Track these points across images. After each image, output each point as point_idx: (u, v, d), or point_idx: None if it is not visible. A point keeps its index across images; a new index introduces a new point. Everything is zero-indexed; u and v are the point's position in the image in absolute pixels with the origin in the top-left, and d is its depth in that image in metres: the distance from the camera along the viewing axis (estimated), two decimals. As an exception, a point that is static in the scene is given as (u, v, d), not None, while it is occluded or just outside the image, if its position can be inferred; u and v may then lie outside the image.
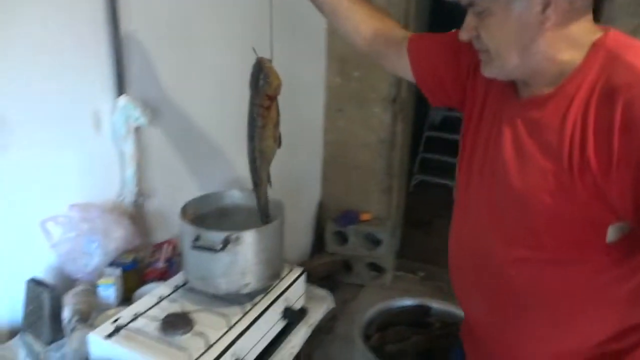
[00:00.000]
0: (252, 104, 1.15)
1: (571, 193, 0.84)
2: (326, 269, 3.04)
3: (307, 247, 3.24)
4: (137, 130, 1.63)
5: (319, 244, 3.25)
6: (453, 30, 1.08)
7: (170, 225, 1.87)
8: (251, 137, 1.18)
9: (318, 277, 2.90)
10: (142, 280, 1.56)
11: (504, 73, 0.93)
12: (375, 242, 3.12)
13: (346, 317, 2.90)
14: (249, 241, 1.20)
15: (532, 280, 0.95)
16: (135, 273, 1.54)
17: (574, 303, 0.94)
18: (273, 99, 1.15)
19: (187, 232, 1.22)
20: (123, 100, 1.55)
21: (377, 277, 3.17)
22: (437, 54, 1.14)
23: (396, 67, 1.22)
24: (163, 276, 1.58)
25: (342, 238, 3.15)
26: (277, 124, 1.19)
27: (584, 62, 0.85)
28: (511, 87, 0.98)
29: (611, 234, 0.86)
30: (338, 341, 2.72)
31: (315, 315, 1.51)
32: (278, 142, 1.22)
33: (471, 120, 1.07)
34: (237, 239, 1.19)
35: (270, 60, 1.13)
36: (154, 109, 1.70)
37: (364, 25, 1.23)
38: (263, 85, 1.12)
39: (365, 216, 3.11)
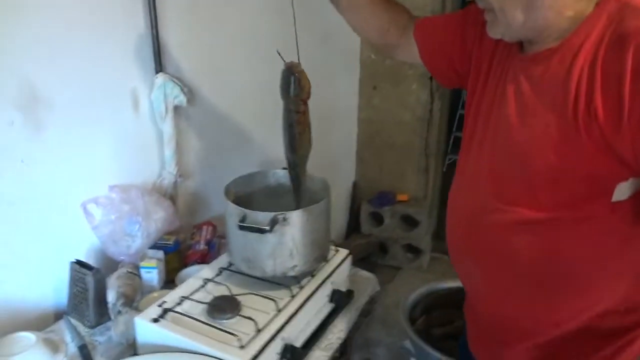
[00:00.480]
0: (288, 111, 1.11)
1: (576, 147, 0.80)
2: (361, 251, 2.99)
3: (341, 228, 3.19)
4: (176, 109, 1.59)
5: (353, 225, 3.20)
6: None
7: (209, 206, 1.85)
8: (290, 145, 1.13)
9: (353, 259, 2.86)
10: (184, 263, 1.54)
11: (509, 32, 0.89)
12: (412, 223, 3.05)
13: (383, 300, 2.85)
14: (297, 221, 1.16)
15: (533, 245, 0.90)
16: (177, 255, 1.52)
17: (578, 268, 0.89)
18: (307, 102, 1.12)
19: (232, 212, 1.17)
20: (161, 78, 1.50)
21: (414, 259, 3.11)
22: (443, 32, 1.12)
23: (408, 55, 1.21)
24: (204, 258, 1.56)
25: (378, 219, 3.10)
26: (310, 126, 1.16)
27: (592, 13, 0.80)
28: (517, 46, 0.95)
29: (621, 191, 0.81)
30: (376, 324, 2.68)
31: (361, 298, 1.46)
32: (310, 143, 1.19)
33: (476, 90, 1.04)
34: (285, 219, 1.14)
35: (299, 64, 1.09)
36: (191, 88, 1.66)
37: (378, 18, 1.21)
38: (296, 90, 1.08)
39: (402, 197, 3.04)
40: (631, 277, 0.88)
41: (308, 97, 1.11)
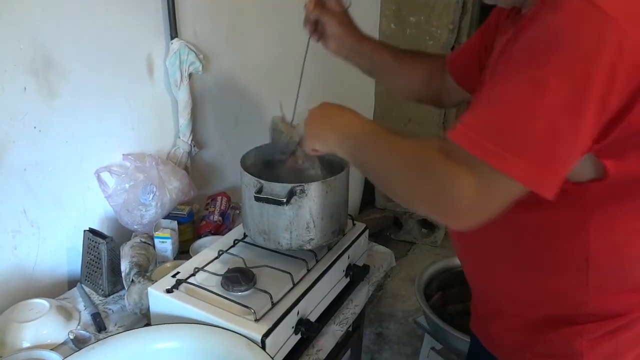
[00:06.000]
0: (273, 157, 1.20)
1: None
2: (376, 225, 2.97)
3: (356, 202, 3.16)
4: (191, 77, 1.55)
5: (368, 199, 3.17)
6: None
7: (224, 177, 1.82)
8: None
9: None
10: (197, 234, 1.52)
11: None
12: (427, 199, 3.01)
13: (396, 275, 2.84)
14: (314, 194, 1.12)
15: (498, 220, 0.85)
16: (190, 226, 1.50)
17: (541, 249, 0.84)
18: (287, 154, 1.18)
19: (248, 183, 1.14)
20: (177, 43, 1.46)
21: (428, 235, 3.08)
22: (469, 51, 1.11)
23: (455, 93, 1.18)
24: (218, 230, 1.54)
25: (393, 193, 3.06)
26: (304, 170, 1.20)
27: None
28: (511, 14, 0.91)
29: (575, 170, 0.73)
30: (388, 298, 2.68)
31: (377, 273, 1.44)
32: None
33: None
34: (303, 191, 1.11)
35: (283, 119, 1.17)
36: (208, 55, 1.62)
37: (417, 72, 1.21)
38: (276, 144, 1.18)
39: (418, 171, 3.00)
40: (601, 266, 0.81)
41: (286, 150, 1.17)
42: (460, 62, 1.14)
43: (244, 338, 0.96)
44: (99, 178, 1.39)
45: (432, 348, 1.94)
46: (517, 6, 0.87)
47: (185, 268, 1.15)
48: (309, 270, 1.16)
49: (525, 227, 0.84)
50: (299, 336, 1.09)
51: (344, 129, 0.93)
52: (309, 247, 1.18)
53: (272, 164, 1.26)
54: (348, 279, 1.30)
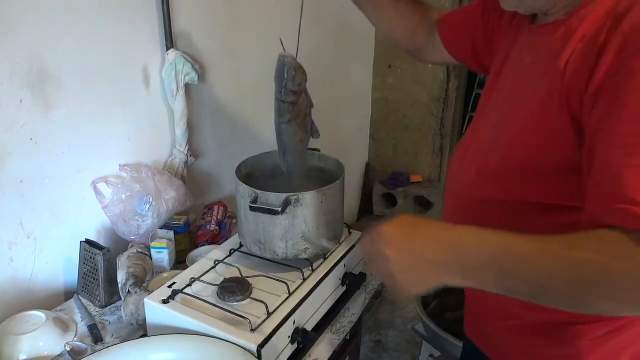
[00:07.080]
0: (277, 100, 1.12)
1: (555, 130, 0.76)
2: (374, 232, 2.97)
3: (353, 210, 3.17)
4: (187, 87, 1.55)
5: (366, 206, 3.17)
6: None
7: (220, 186, 1.83)
8: (278, 133, 1.15)
9: (366, 240, 2.84)
10: (194, 243, 1.52)
11: (524, 3, 0.84)
12: (425, 205, 3.01)
13: (395, 281, 2.84)
14: (309, 203, 1.13)
15: (501, 226, 0.84)
16: (187, 235, 1.50)
17: None
18: (298, 94, 1.11)
19: (244, 193, 1.15)
20: (172, 54, 1.47)
21: (427, 241, 3.07)
22: (465, 22, 1.11)
23: (438, 54, 1.19)
24: (214, 239, 1.54)
25: (391, 201, 3.06)
26: (307, 116, 1.15)
27: None
28: (528, 19, 0.91)
29: None
30: (386, 305, 2.67)
31: (374, 281, 1.44)
32: (310, 132, 1.18)
33: (495, 73, 1.00)
34: (298, 200, 1.11)
35: (291, 56, 1.09)
36: (203, 65, 1.62)
37: (405, 20, 1.20)
38: (287, 82, 1.08)
39: (415, 178, 3.01)
40: None
41: (299, 90, 1.10)
42: (453, 30, 1.14)
43: (240, 348, 0.96)
44: (95, 189, 1.39)
45: (431, 355, 1.94)
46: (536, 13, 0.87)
47: (182, 278, 1.15)
48: (304, 280, 1.16)
49: (533, 229, 0.83)
50: (295, 346, 1.09)
51: (459, 263, 0.72)
52: (304, 256, 1.19)
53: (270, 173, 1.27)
54: (344, 288, 1.30)
